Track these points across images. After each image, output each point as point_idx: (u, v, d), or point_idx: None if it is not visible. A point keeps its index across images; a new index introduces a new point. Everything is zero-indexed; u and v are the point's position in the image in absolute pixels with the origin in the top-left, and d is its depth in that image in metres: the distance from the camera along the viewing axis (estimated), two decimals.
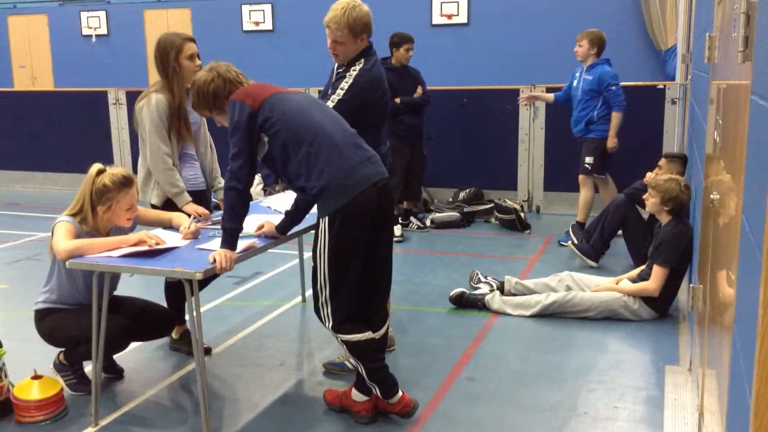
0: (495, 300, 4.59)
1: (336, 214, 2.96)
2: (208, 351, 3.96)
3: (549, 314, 4.46)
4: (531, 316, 4.46)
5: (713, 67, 3.06)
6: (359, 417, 3.22)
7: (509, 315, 4.50)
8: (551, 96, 6.64)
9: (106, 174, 3.30)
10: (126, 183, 3.30)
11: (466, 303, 4.66)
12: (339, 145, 3.01)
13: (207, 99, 3.14)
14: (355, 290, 3.10)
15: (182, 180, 3.81)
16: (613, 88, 6.12)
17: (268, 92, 3.07)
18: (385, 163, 3.27)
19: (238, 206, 3.06)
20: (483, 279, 4.93)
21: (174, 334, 4.03)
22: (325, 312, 3.09)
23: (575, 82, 6.32)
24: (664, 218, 4.51)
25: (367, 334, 3.12)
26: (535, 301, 4.51)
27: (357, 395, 3.23)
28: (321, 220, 3.01)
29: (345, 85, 3.48)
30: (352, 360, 3.69)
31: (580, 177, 6.29)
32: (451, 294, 4.69)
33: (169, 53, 3.75)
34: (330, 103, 3.42)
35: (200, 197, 3.92)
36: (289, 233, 3.44)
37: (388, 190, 3.12)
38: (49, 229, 3.30)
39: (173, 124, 3.78)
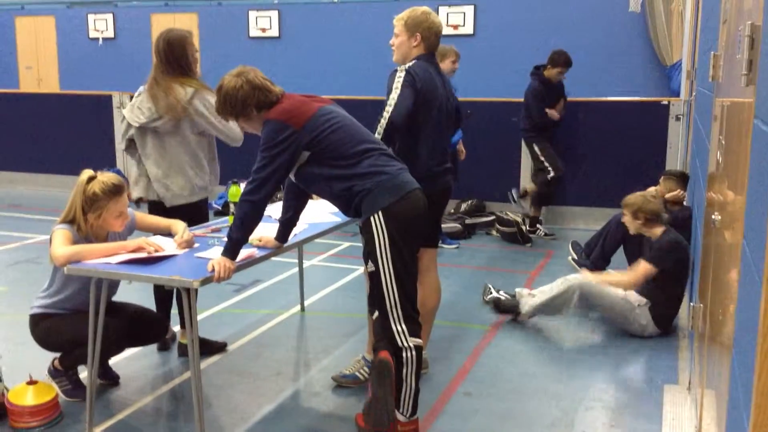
0: (527, 306, 4.63)
1: (393, 207, 2.94)
2: (223, 347, 4.13)
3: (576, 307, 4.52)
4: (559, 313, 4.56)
5: (717, 85, 3.05)
6: None
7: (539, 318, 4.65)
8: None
9: (96, 182, 3.28)
10: (116, 191, 3.29)
11: (503, 309, 4.74)
12: (384, 151, 3.08)
13: (235, 105, 3.07)
14: (415, 286, 3.10)
15: (198, 188, 3.91)
16: None
17: (311, 110, 3.02)
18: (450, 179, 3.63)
19: (249, 218, 3.01)
20: (495, 292, 4.92)
21: (182, 339, 4.02)
22: (396, 314, 2.99)
23: None
24: (654, 233, 4.49)
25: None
26: (561, 301, 4.51)
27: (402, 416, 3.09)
28: (373, 217, 2.94)
29: (397, 83, 3.44)
30: (363, 370, 3.68)
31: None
32: (487, 297, 4.84)
33: (186, 47, 3.81)
34: (388, 107, 3.40)
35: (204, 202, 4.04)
36: (290, 243, 3.43)
37: (425, 198, 3.11)
38: (50, 231, 3.29)
39: None
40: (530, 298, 4.63)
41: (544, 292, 4.71)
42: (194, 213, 3.88)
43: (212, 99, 3.63)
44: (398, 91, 3.40)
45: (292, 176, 3.14)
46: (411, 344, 3.01)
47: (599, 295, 4.42)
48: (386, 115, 3.36)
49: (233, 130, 3.82)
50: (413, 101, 3.39)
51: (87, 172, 3.32)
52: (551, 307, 4.55)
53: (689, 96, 6.76)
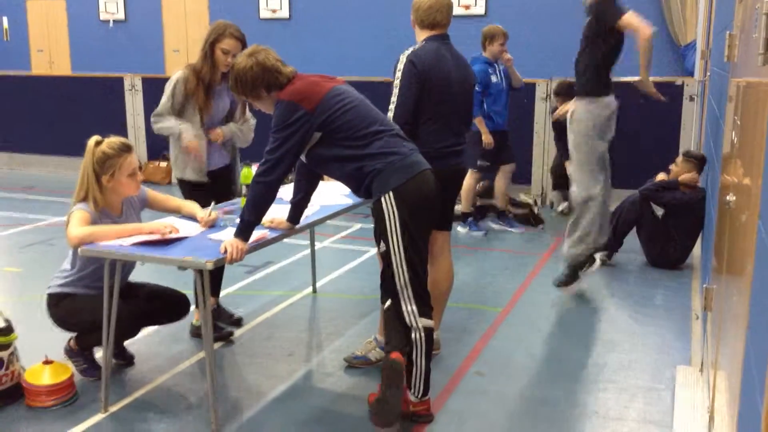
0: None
1: (403, 186, 2.93)
2: (230, 333, 4.13)
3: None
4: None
5: (733, 65, 3.01)
6: (426, 417, 3.16)
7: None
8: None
9: (103, 143, 3.34)
10: (125, 148, 3.33)
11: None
12: (395, 132, 3.08)
13: (245, 86, 3.07)
14: (426, 267, 3.09)
15: (205, 166, 3.96)
16: None
17: (322, 91, 3.00)
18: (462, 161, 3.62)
19: (262, 200, 3.02)
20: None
21: (195, 321, 4.05)
22: (406, 294, 3.00)
23: (495, 78, 6.25)
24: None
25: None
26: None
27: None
28: (384, 198, 2.94)
29: (400, 65, 3.44)
30: (375, 351, 3.69)
31: (511, 166, 6.57)
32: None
33: (209, 36, 3.83)
34: (392, 104, 3.40)
35: (222, 174, 4.08)
36: (301, 224, 3.44)
37: (435, 179, 3.10)
38: (63, 213, 3.31)
39: (196, 103, 3.87)
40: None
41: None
42: (197, 193, 3.89)
43: (173, 81, 3.85)
44: (397, 91, 3.40)
45: (303, 157, 3.14)
46: (420, 325, 3.02)
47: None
48: (390, 114, 3.37)
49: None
50: (414, 95, 3.38)
51: (94, 138, 3.37)
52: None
53: (703, 76, 6.69)
